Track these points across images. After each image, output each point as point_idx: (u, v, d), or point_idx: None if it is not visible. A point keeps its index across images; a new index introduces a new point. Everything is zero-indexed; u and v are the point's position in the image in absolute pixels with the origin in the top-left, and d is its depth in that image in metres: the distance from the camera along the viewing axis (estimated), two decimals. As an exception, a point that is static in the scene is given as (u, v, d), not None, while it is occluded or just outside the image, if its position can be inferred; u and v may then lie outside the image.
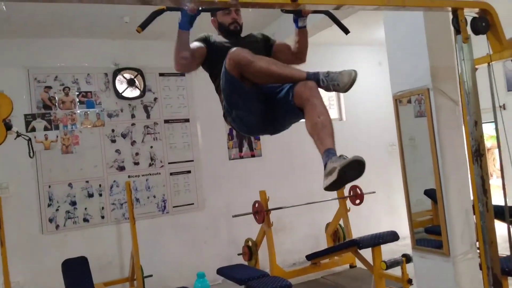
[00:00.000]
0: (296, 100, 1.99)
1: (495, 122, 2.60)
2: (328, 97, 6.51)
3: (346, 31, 2.42)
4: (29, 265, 4.50)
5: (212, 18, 2.53)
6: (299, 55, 2.51)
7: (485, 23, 2.34)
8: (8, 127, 2.87)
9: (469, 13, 2.33)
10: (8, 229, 3.87)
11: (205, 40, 2.39)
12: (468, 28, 2.33)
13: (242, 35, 2.53)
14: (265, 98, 2.16)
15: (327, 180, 1.77)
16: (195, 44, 2.33)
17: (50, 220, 4.69)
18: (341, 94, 6.42)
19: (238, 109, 2.15)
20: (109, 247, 4.91)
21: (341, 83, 1.93)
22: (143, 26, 1.96)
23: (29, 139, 3.27)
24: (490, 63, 2.54)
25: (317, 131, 1.90)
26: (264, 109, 2.16)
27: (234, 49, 1.98)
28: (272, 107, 2.15)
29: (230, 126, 2.37)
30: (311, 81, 1.97)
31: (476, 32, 2.36)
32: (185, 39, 2.16)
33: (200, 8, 1.99)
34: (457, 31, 2.28)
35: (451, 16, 2.31)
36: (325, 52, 5.85)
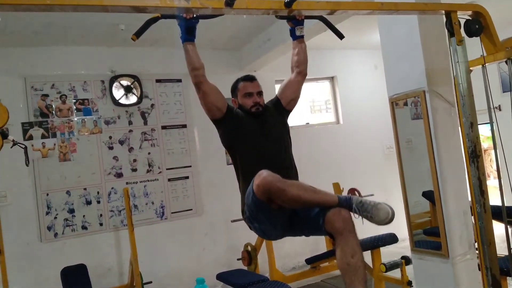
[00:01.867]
0: (327, 227, 1.96)
1: (491, 123, 2.61)
2: (325, 101, 6.53)
3: (340, 36, 2.43)
4: (28, 274, 4.48)
5: (233, 98, 2.50)
6: (300, 68, 2.48)
7: (479, 25, 2.36)
8: (4, 135, 2.87)
9: (463, 16, 2.35)
10: (6, 237, 3.86)
11: (228, 105, 2.38)
12: (462, 30, 2.35)
13: None
14: (291, 214, 2.12)
15: None
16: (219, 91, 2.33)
17: (49, 228, 4.67)
18: (338, 97, 6.44)
19: (261, 224, 2.13)
20: (108, 254, 4.89)
21: (375, 217, 1.90)
22: (138, 34, 1.97)
23: (25, 148, 3.26)
24: (484, 65, 2.55)
25: (350, 274, 1.87)
26: (289, 223, 2.13)
27: (262, 175, 1.88)
28: (298, 222, 2.12)
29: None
30: (345, 209, 1.94)
31: (470, 34, 2.38)
32: (191, 50, 2.13)
33: (195, 15, 2.00)
34: (451, 33, 2.31)
35: (445, 19, 2.33)
36: (321, 57, 5.87)
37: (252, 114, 2.38)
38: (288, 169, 2.34)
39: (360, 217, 1.96)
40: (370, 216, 1.91)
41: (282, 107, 2.51)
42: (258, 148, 2.31)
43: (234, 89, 2.49)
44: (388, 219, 1.88)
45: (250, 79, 2.46)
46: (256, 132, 2.34)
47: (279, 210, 1.98)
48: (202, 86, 2.23)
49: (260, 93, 2.43)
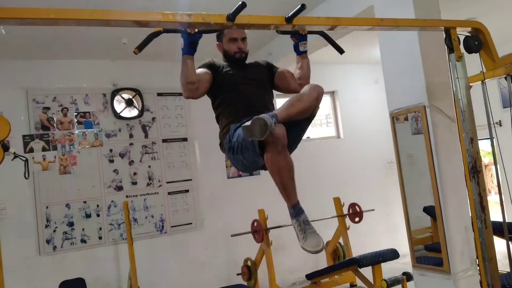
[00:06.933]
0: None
1: (491, 138, 2.61)
2: (325, 115, 6.55)
3: (341, 51, 2.45)
4: (26, 287, 4.43)
5: (218, 43, 2.54)
6: (303, 81, 2.50)
7: (478, 41, 2.38)
8: (6, 148, 2.88)
9: (462, 32, 2.37)
10: (5, 250, 3.82)
11: (210, 66, 2.40)
12: (462, 47, 2.36)
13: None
14: None
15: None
16: (200, 71, 2.34)
17: (48, 241, 4.65)
18: (338, 111, 6.46)
19: (244, 158, 2.16)
20: (107, 268, 4.85)
21: (307, 241, 1.95)
22: (140, 47, 1.98)
23: (26, 160, 3.26)
24: (484, 81, 2.57)
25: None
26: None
27: (280, 130, 1.88)
28: None
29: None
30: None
31: (469, 50, 2.39)
32: (190, 64, 2.16)
33: (197, 30, 2.02)
34: (451, 50, 2.32)
35: (444, 35, 2.35)
36: (322, 71, 5.88)
37: (236, 61, 2.45)
38: (267, 110, 2.36)
39: (295, 229, 2.02)
40: (303, 237, 1.95)
41: (272, 79, 2.56)
42: (240, 90, 2.36)
43: (220, 34, 2.52)
44: (315, 251, 1.92)
45: None
46: (240, 76, 2.40)
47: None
48: (198, 96, 2.30)
49: (244, 39, 2.48)
